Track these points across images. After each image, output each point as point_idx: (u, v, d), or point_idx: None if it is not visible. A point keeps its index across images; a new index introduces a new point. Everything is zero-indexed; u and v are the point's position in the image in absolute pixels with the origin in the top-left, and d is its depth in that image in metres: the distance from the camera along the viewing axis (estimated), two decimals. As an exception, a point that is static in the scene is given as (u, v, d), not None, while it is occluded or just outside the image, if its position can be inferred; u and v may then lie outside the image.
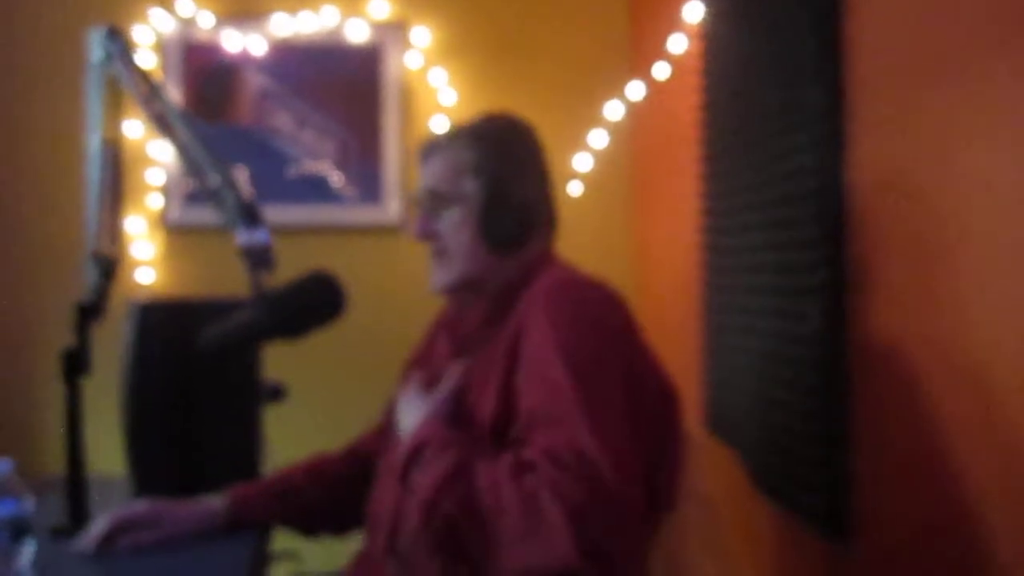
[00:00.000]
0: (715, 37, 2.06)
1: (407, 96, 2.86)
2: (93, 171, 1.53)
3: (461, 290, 1.40)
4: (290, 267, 1.42)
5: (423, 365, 1.50)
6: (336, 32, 2.84)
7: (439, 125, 2.79)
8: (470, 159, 1.37)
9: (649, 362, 1.29)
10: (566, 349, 1.16)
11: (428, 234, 1.39)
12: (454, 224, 1.37)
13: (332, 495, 1.56)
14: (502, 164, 1.37)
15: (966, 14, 1.13)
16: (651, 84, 2.61)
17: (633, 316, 1.29)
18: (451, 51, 2.88)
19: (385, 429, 1.55)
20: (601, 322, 1.22)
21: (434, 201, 1.39)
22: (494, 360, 1.26)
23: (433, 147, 1.41)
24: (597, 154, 2.82)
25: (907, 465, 1.26)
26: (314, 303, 1.40)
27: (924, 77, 1.22)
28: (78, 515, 1.43)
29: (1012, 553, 1.06)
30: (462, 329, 1.42)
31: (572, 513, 1.01)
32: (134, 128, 2.72)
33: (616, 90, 2.75)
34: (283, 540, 1.65)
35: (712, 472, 2.04)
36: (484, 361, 1.30)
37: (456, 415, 1.26)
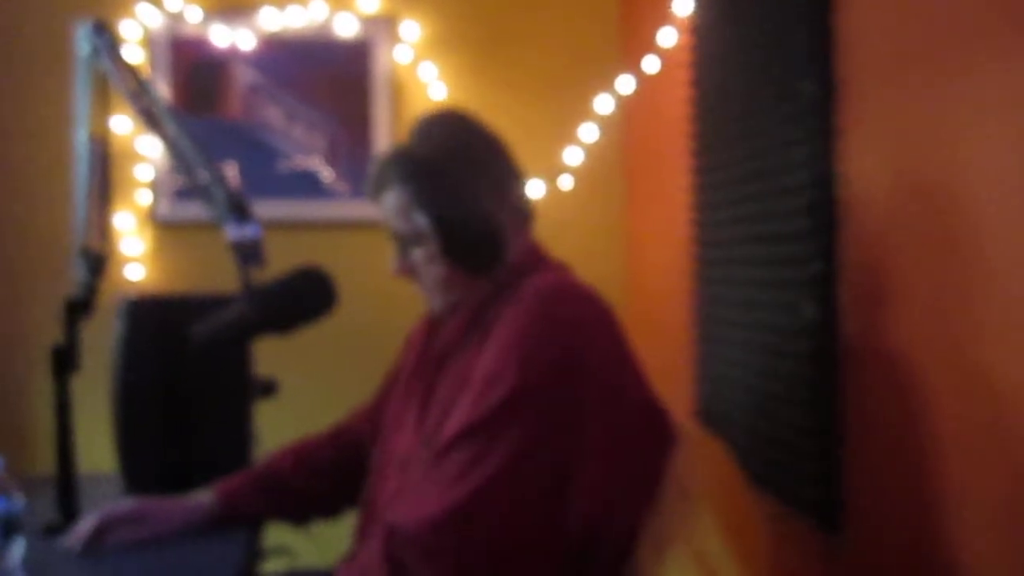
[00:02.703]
0: (705, 30, 2.05)
1: (397, 90, 2.85)
2: (81, 167, 1.53)
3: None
4: (280, 262, 1.41)
5: (396, 380, 1.51)
6: (325, 26, 2.82)
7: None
8: (410, 195, 1.31)
9: (631, 378, 1.28)
10: (499, 379, 1.19)
11: (405, 272, 1.37)
12: (424, 260, 1.33)
13: (320, 482, 1.55)
14: (442, 191, 1.30)
15: (963, 1, 1.13)
16: (641, 78, 2.61)
17: (616, 329, 1.28)
18: (441, 45, 2.87)
19: (377, 413, 1.54)
20: (565, 350, 1.21)
21: (399, 241, 1.36)
22: (472, 372, 1.25)
23: (377, 186, 1.36)
24: (588, 148, 2.82)
25: (899, 456, 1.26)
26: (304, 298, 1.39)
27: (919, 67, 1.22)
28: (69, 512, 1.43)
29: (1001, 544, 1.06)
30: (440, 341, 1.40)
31: None
32: (122, 124, 2.71)
33: (606, 84, 2.75)
34: (276, 536, 1.64)
35: (705, 465, 2.04)
36: (462, 372, 1.29)
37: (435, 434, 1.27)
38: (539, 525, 1.19)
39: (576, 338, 1.22)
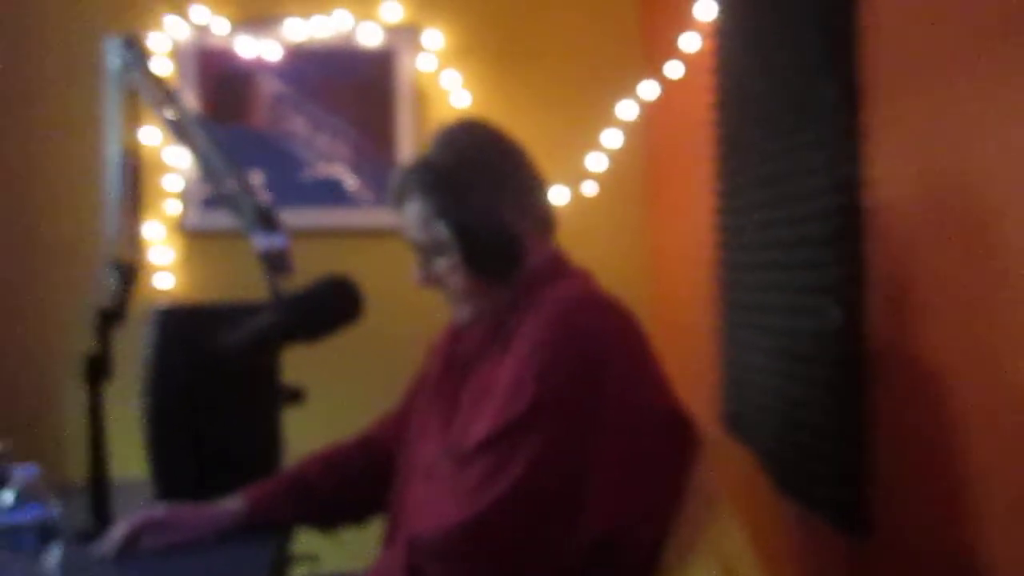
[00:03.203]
0: (727, 34, 2.05)
1: (420, 99, 2.87)
2: (112, 178, 1.55)
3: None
4: (306, 270, 1.43)
5: (422, 387, 1.51)
6: (349, 36, 2.85)
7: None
8: (429, 206, 1.32)
9: (653, 387, 1.28)
10: (520, 389, 1.20)
11: (428, 281, 1.39)
12: (446, 270, 1.34)
13: (348, 488, 1.56)
14: (463, 201, 1.31)
15: (987, 2, 1.12)
16: (664, 83, 2.61)
17: (638, 337, 1.27)
18: (464, 53, 2.88)
19: (403, 420, 1.55)
20: (585, 360, 1.21)
21: (421, 251, 1.37)
22: (495, 381, 1.26)
23: (398, 196, 1.38)
24: (611, 154, 2.82)
25: (925, 460, 1.26)
26: (332, 306, 1.40)
27: (942, 70, 1.22)
28: (102, 518, 1.45)
29: (1032, 548, 1.05)
30: (463, 349, 1.41)
31: None
32: (151, 135, 2.74)
33: (629, 89, 2.75)
34: (303, 542, 1.65)
35: (730, 471, 2.03)
36: (484, 381, 1.31)
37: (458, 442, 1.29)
38: (559, 534, 1.19)
39: (596, 348, 1.22)
